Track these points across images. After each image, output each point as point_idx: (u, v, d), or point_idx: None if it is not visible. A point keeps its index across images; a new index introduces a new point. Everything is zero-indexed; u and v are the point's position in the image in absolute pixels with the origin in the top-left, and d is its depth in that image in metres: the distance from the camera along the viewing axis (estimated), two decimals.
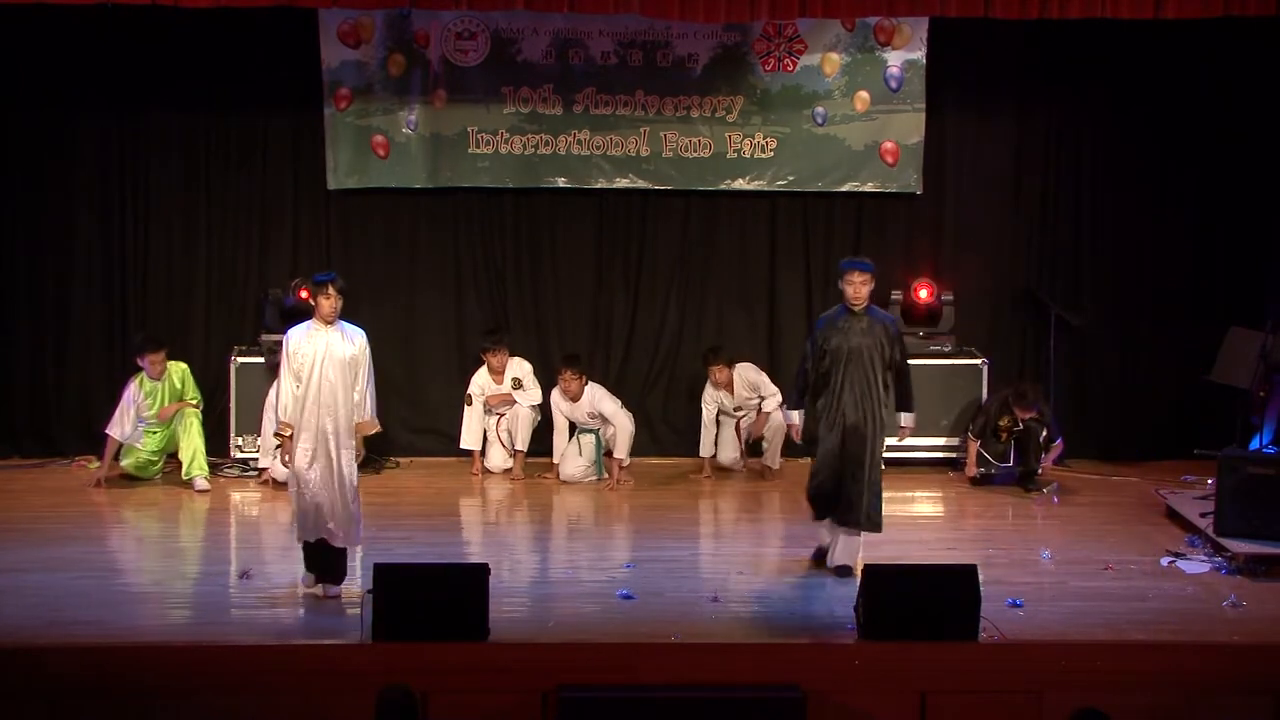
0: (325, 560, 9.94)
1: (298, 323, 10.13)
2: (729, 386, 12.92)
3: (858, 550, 10.35)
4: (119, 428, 12.47)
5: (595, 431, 12.83)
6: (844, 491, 10.26)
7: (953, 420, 13.12)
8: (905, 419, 10.56)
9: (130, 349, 12.84)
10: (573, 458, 12.86)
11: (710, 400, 12.96)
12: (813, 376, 10.39)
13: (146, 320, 13.20)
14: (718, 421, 13.00)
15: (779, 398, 12.70)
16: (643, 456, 13.19)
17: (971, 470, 12.70)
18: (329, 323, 9.92)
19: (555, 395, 12.92)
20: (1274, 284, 13.03)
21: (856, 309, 10.32)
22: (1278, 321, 12.21)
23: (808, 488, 10.49)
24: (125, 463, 12.51)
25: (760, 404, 12.94)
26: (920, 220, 13.60)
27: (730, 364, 12.89)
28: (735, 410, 12.96)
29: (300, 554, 10.07)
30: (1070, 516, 11.99)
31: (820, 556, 10.53)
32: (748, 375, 12.94)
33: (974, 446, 12.66)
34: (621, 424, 12.77)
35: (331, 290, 9.91)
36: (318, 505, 9.82)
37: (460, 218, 13.49)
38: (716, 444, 13.02)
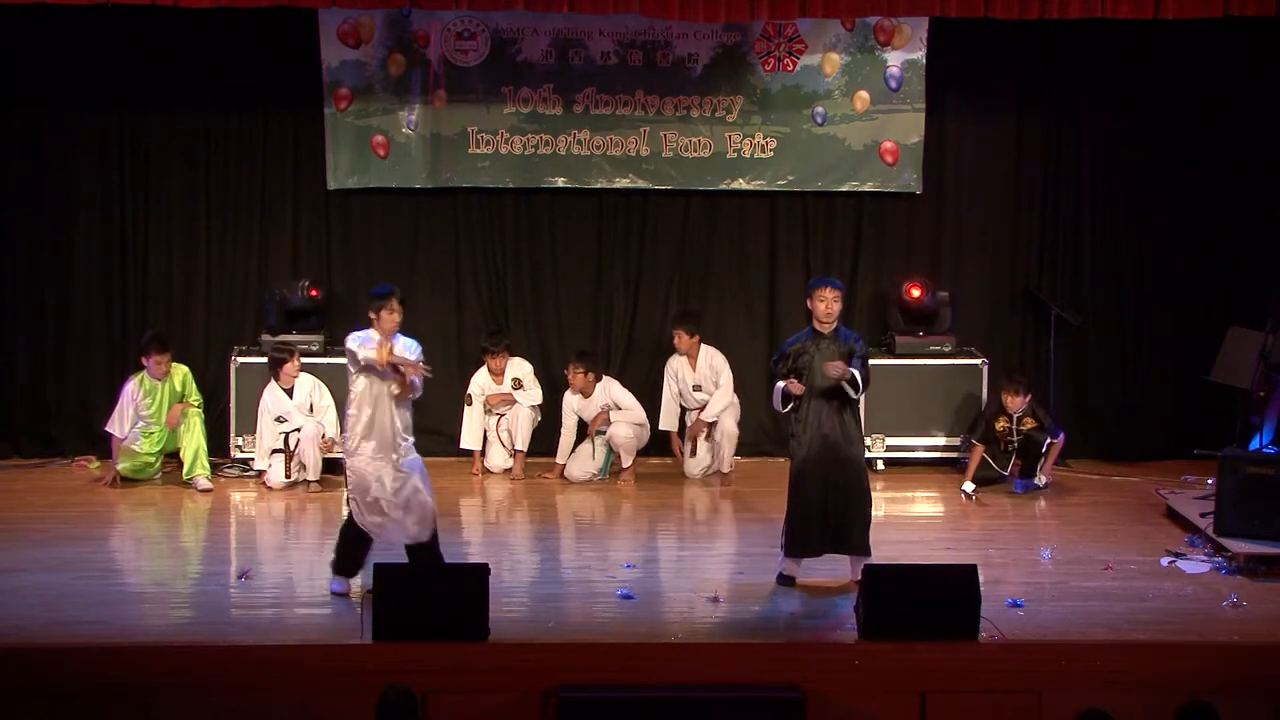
0: (425, 560, 9.81)
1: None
2: (691, 356, 12.95)
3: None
4: (118, 426, 12.46)
5: (608, 446, 12.84)
6: (844, 520, 10.00)
7: (952, 420, 13.10)
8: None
9: (137, 348, 12.78)
10: (584, 459, 12.87)
11: (671, 374, 13.00)
12: (786, 368, 10.05)
13: (146, 320, 13.20)
14: (682, 421, 13.04)
15: (725, 403, 12.76)
16: (643, 456, 13.16)
17: (969, 475, 12.48)
18: (388, 337, 9.76)
19: (568, 396, 12.91)
20: (1274, 284, 13.02)
21: (826, 330, 10.06)
22: (1278, 321, 12.21)
23: (789, 517, 10.09)
24: (121, 465, 12.46)
25: (713, 394, 12.88)
26: (920, 220, 13.60)
27: (694, 335, 12.92)
28: (693, 389, 12.92)
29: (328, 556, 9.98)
30: (1070, 516, 11.98)
31: (788, 580, 10.12)
32: (713, 359, 12.96)
33: (978, 451, 12.51)
34: (637, 434, 12.82)
35: (395, 304, 9.71)
36: (385, 507, 9.73)
37: (460, 218, 13.48)
38: (684, 457, 12.99)
